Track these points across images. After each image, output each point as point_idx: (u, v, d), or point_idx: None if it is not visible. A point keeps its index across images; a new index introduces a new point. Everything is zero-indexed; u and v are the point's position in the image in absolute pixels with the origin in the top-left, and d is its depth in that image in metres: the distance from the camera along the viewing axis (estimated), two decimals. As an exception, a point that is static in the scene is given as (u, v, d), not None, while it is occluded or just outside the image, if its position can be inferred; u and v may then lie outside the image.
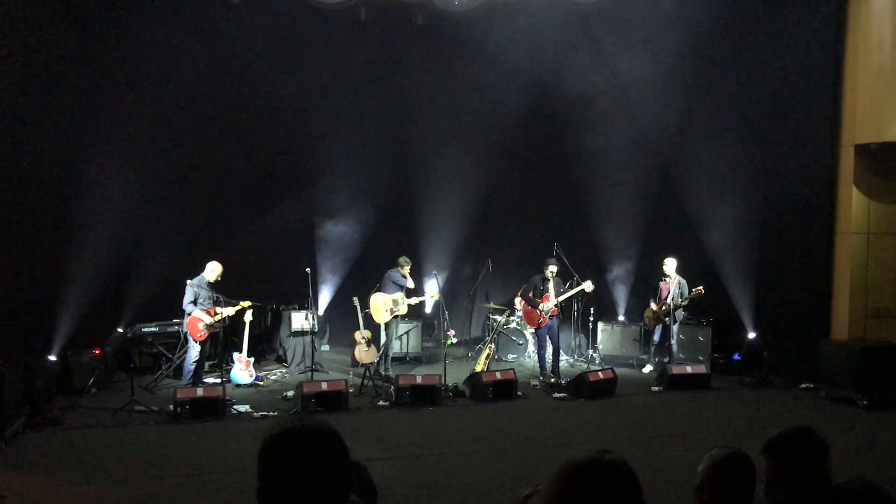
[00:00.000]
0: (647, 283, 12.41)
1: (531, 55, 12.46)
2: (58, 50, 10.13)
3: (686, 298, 11.12)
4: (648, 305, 11.81)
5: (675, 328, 11.34)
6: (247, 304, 10.39)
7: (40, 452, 7.48)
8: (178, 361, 10.49)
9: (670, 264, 11.50)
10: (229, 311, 10.11)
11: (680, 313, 11.33)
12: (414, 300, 11.39)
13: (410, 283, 11.28)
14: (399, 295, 11.17)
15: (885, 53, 9.81)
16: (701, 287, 10.95)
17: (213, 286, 10.07)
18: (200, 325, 9.86)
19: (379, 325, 11.55)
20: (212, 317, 9.95)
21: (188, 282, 9.95)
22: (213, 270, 10.07)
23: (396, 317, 11.31)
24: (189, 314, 9.91)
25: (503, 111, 13.05)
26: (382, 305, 11.23)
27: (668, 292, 11.40)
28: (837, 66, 10.43)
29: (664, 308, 11.39)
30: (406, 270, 11.25)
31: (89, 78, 10.63)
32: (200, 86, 11.74)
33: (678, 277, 11.38)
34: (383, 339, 11.46)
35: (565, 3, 11.09)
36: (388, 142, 13.39)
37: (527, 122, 13.23)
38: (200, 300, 9.93)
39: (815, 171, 10.74)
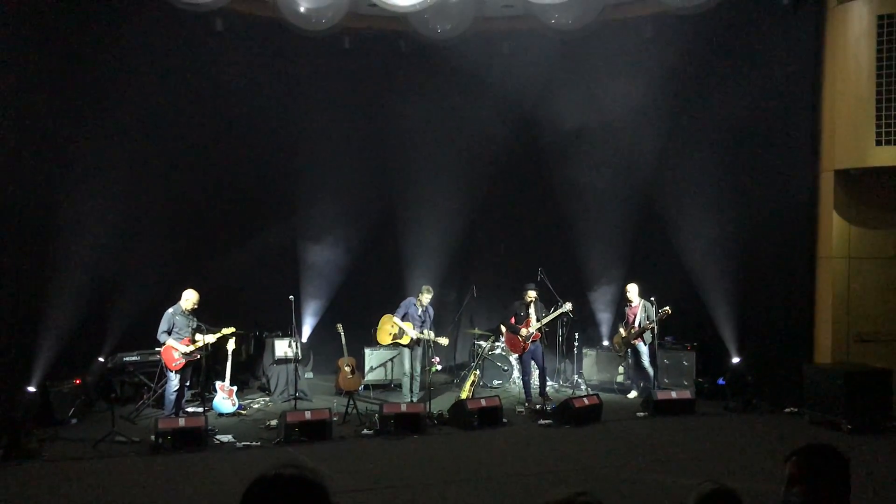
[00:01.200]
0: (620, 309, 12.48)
1: (514, 82, 12.60)
2: (38, 76, 10.08)
3: (653, 321, 11.19)
4: (618, 332, 11.94)
5: (646, 350, 11.43)
6: (229, 330, 10.22)
7: (19, 485, 7.35)
8: (159, 391, 10.37)
9: (633, 290, 11.65)
10: (210, 338, 9.96)
11: (648, 336, 11.39)
12: (417, 334, 11.08)
13: (412, 331, 11.04)
14: (410, 325, 11.07)
15: (862, 80, 9.94)
16: (668, 307, 11.03)
17: (193, 314, 9.97)
18: (176, 355, 9.70)
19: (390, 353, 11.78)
20: (188, 346, 9.81)
21: (167, 311, 9.86)
22: (187, 299, 9.89)
23: (397, 344, 11.18)
24: (163, 344, 9.77)
25: (487, 137, 13.14)
26: (388, 328, 11.17)
27: (635, 317, 11.51)
28: (816, 93, 10.58)
29: (633, 332, 11.47)
30: (423, 299, 11.11)
31: (71, 103, 10.56)
32: (184, 112, 11.72)
33: (643, 301, 11.49)
34: (407, 366, 11.27)
35: (547, 31, 11.19)
36: (373, 168, 13.41)
37: (510, 148, 13.32)
38: (176, 329, 9.78)
39: (797, 197, 10.85)
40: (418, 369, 11.19)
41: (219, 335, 10.05)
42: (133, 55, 11.05)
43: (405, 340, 11.08)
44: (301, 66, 12.58)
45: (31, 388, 9.56)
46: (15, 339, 9.56)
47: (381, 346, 11.82)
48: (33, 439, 8.49)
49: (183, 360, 9.75)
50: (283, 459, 2.07)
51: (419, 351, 11.19)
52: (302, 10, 10.27)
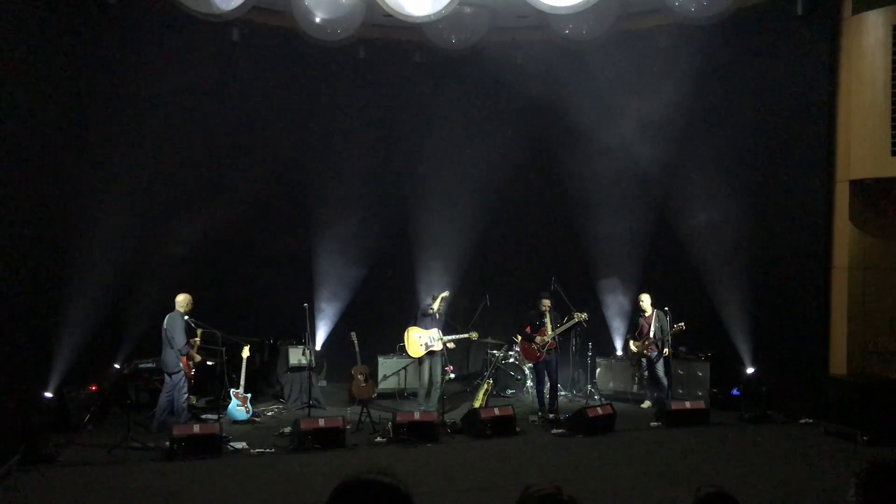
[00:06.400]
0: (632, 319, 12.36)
1: (528, 92, 12.60)
2: (57, 84, 10.21)
3: (667, 333, 11.15)
4: (628, 343, 11.83)
5: (660, 361, 11.34)
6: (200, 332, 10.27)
7: (34, 490, 7.42)
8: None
9: (646, 300, 11.55)
10: (196, 339, 10.12)
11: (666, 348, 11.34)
12: (449, 338, 11.17)
13: (435, 337, 11.11)
14: (434, 330, 11.09)
15: (877, 90, 9.91)
16: (682, 323, 10.99)
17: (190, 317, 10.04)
18: (191, 363, 9.83)
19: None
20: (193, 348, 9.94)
21: (172, 327, 9.84)
22: (183, 302, 9.97)
23: (432, 352, 11.15)
24: (186, 353, 9.81)
25: (500, 147, 13.13)
26: (418, 340, 11.18)
27: (650, 327, 11.44)
28: (831, 102, 10.54)
29: (647, 343, 11.41)
30: (435, 305, 11.20)
31: (89, 113, 10.69)
32: (200, 121, 11.81)
33: (656, 311, 11.43)
34: (426, 376, 11.27)
35: (561, 40, 11.23)
36: (386, 177, 13.48)
37: (524, 158, 13.30)
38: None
39: (811, 207, 10.80)
40: (438, 378, 11.16)
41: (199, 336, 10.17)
42: (149, 64, 11.15)
43: (437, 347, 11.09)
44: (316, 75, 12.68)
45: (48, 394, 9.64)
46: (32, 344, 9.64)
47: (412, 357, 11.61)
48: (49, 444, 8.57)
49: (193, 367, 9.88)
50: (375, 466, 1.99)
51: (437, 359, 11.18)
52: (318, 20, 10.37)
